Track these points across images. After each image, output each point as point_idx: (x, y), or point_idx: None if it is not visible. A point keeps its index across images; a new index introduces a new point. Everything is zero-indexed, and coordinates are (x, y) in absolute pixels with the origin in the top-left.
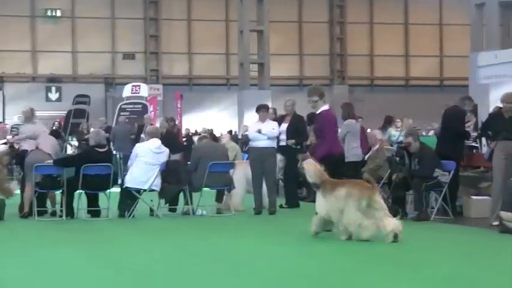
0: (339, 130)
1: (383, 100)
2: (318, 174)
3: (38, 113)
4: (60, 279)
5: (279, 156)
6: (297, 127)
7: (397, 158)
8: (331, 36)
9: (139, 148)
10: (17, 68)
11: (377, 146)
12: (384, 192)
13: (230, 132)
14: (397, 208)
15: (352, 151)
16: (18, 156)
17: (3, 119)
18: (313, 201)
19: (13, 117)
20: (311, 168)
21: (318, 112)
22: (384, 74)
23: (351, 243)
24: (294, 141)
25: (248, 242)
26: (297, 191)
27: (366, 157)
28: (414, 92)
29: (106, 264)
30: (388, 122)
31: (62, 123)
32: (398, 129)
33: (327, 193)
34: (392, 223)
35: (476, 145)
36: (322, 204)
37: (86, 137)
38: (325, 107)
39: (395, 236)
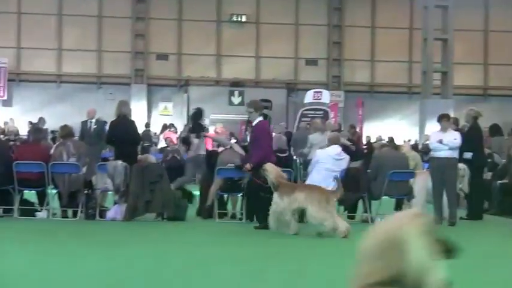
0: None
1: None
2: (278, 176)
3: (221, 117)
4: (222, 277)
5: (462, 166)
6: (470, 137)
7: None
8: None
9: (320, 154)
10: (202, 72)
11: None
12: None
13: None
14: None
15: None
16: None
17: (188, 121)
18: (496, 213)
19: None
20: (273, 170)
21: (254, 123)
22: None
23: None
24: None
25: None
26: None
27: None
28: None
29: (282, 267)
30: None
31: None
32: None
33: (284, 194)
34: (343, 223)
35: None
36: (279, 203)
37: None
38: (260, 118)
39: (346, 234)
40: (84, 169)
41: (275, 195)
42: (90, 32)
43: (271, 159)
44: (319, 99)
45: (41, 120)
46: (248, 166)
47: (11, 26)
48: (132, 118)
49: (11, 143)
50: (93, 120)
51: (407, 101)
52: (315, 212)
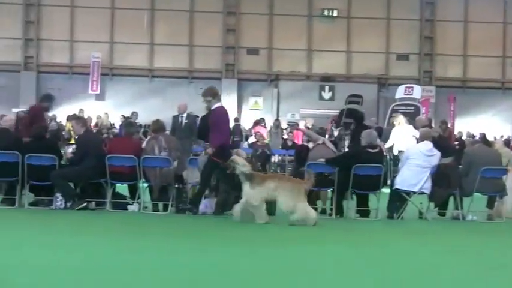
0: None
1: None
2: (248, 166)
3: (311, 111)
4: (326, 277)
5: None
6: None
7: None
8: None
9: (410, 150)
10: (292, 67)
11: None
12: None
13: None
14: None
15: None
16: (296, 151)
17: (277, 115)
18: None
19: (287, 115)
20: (243, 162)
21: (212, 108)
22: None
23: None
24: None
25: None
26: None
27: None
28: None
29: (371, 264)
30: None
31: (333, 122)
32: None
33: (256, 185)
34: (313, 212)
35: None
36: (250, 193)
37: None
38: (219, 104)
39: (315, 223)
40: (175, 163)
41: (246, 186)
42: (181, 26)
43: (227, 143)
44: (411, 94)
45: (134, 114)
46: (209, 150)
47: (104, 21)
48: None
49: (104, 136)
50: (185, 115)
51: (500, 96)
52: (286, 201)
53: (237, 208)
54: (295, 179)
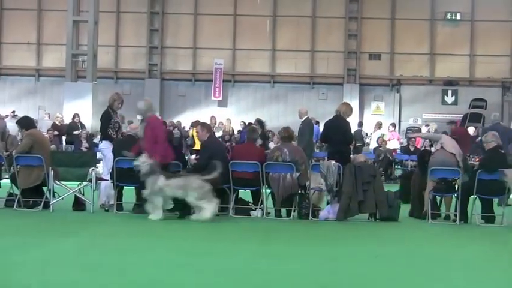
0: None
1: None
2: None
3: (433, 116)
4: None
5: None
6: None
7: None
8: None
9: None
10: (415, 71)
11: None
12: None
13: None
14: None
15: None
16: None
17: (399, 120)
18: None
19: (409, 120)
20: None
21: None
22: None
23: None
24: None
25: None
26: None
27: None
28: None
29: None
30: None
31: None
32: None
33: None
34: None
35: None
36: None
37: None
38: None
39: None
40: (297, 174)
41: None
42: (303, 32)
43: None
44: None
45: (259, 121)
46: None
47: (227, 28)
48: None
49: (227, 144)
50: (303, 119)
51: None
52: None
53: None
54: None
